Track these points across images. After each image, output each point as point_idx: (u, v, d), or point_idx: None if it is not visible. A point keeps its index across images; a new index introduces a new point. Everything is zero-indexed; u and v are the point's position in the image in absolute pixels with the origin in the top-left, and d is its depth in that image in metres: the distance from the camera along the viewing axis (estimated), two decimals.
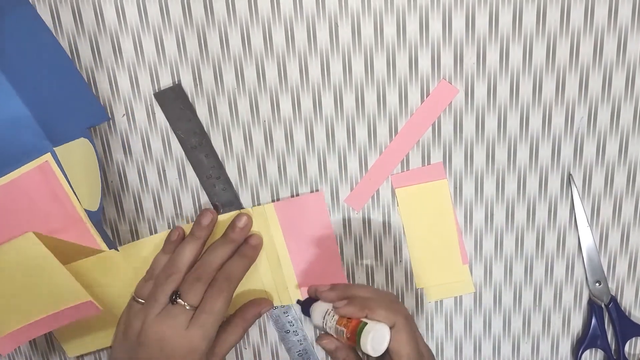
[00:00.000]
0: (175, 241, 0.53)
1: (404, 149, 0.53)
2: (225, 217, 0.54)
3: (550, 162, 0.54)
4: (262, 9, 0.50)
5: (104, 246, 0.49)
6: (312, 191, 0.55)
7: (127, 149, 0.54)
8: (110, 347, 0.53)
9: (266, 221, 0.55)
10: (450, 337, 0.59)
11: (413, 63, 0.51)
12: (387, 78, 0.51)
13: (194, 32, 0.50)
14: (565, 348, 0.59)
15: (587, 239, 0.56)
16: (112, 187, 0.55)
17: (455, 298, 0.58)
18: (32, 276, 0.47)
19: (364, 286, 0.54)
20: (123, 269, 0.54)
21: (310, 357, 0.60)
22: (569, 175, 0.54)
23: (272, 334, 0.59)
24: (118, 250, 0.53)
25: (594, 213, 0.55)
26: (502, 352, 0.59)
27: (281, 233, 0.55)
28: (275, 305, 0.57)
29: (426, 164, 0.54)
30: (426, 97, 0.52)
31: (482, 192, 0.55)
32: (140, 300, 0.50)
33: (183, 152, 0.54)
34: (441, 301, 0.58)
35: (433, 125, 0.53)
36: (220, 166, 0.54)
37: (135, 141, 0.54)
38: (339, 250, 0.56)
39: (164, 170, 0.54)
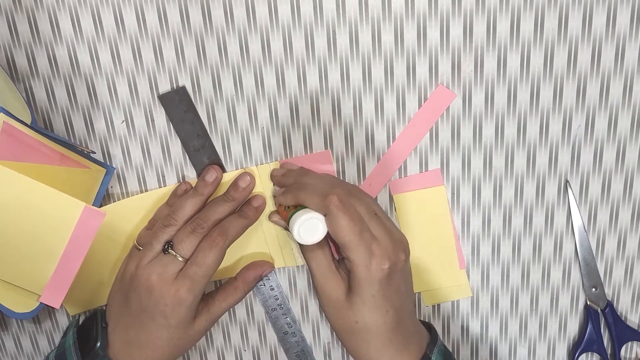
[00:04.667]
0: (180, 195, 0.53)
1: (402, 156, 0.54)
2: (230, 175, 0.54)
3: (547, 169, 0.54)
4: (260, 17, 0.50)
5: (84, 162, 0.51)
6: None
7: (126, 155, 0.54)
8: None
9: (271, 180, 0.54)
10: (447, 341, 0.59)
11: (411, 70, 0.51)
12: (385, 85, 0.51)
13: (193, 39, 0.51)
14: (562, 352, 0.60)
15: (584, 244, 0.56)
16: (112, 193, 0.55)
17: (453, 302, 0.58)
18: (25, 211, 0.47)
19: (321, 176, 0.52)
20: (126, 224, 0.55)
21: (308, 358, 0.60)
22: (566, 181, 0.54)
23: (272, 336, 0.60)
24: (95, 152, 0.54)
25: (591, 219, 0.55)
26: (499, 356, 0.60)
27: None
28: (280, 266, 0.57)
29: (424, 170, 0.54)
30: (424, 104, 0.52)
31: (479, 198, 0.55)
32: (139, 247, 0.51)
33: (183, 158, 0.54)
34: (438, 305, 0.58)
35: (431, 132, 0.53)
36: (222, 169, 0.54)
37: (134, 147, 0.54)
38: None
39: (163, 177, 0.55)
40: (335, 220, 0.46)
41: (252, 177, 0.53)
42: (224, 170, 0.54)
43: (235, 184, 0.53)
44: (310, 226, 0.47)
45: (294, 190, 0.50)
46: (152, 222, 0.53)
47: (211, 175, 0.52)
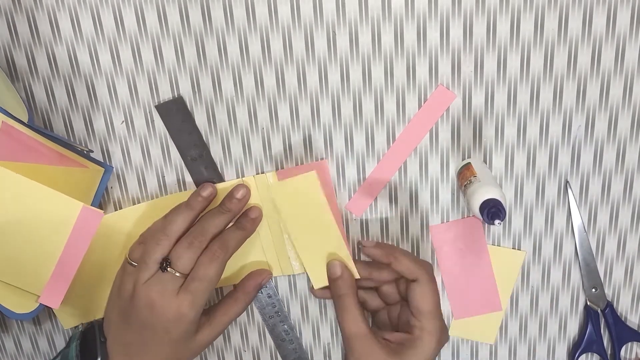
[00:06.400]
0: None
1: (402, 156, 0.54)
2: (225, 185, 0.54)
3: (547, 169, 0.54)
4: (260, 17, 0.50)
5: (83, 161, 0.51)
6: None
7: (126, 156, 0.54)
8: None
9: (268, 190, 0.54)
10: (448, 341, 0.59)
11: (411, 71, 0.51)
12: (385, 86, 0.51)
13: (192, 40, 0.50)
14: (562, 352, 0.60)
15: (584, 244, 0.56)
16: (111, 194, 0.55)
17: None
18: (24, 211, 0.47)
19: (407, 252, 0.53)
20: (121, 236, 0.55)
21: None
22: (566, 181, 0.54)
23: (271, 338, 0.60)
24: (93, 151, 0.54)
25: (591, 219, 0.55)
26: (499, 356, 0.60)
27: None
28: (276, 275, 0.57)
29: (424, 171, 0.54)
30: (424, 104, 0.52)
31: None
32: (132, 262, 0.50)
33: (182, 159, 0.54)
34: None
35: (431, 132, 0.53)
36: (220, 178, 0.54)
37: (134, 148, 0.54)
38: None
39: (163, 177, 0.55)
40: (427, 286, 0.49)
41: (248, 188, 0.53)
42: (221, 179, 0.54)
43: (230, 195, 0.52)
44: None
45: (387, 248, 0.52)
46: (144, 235, 0.52)
47: (206, 191, 0.52)
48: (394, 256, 0.51)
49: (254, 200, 0.54)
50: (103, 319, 0.53)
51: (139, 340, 0.49)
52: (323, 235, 0.52)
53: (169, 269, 0.48)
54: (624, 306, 0.58)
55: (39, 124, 0.53)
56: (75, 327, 0.58)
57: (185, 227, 0.50)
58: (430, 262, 0.56)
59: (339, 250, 0.52)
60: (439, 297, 0.50)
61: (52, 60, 0.51)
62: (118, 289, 0.51)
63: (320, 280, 0.54)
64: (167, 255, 0.49)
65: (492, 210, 0.45)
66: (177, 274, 0.48)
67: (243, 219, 0.53)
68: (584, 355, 0.59)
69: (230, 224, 0.53)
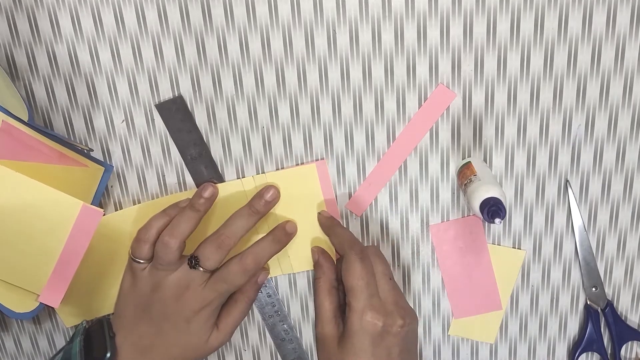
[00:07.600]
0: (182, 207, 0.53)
1: (402, 156, 0.54)
2: (227, 185, 0.54)
3: (547, 169, 0.54)
4: (260, 16, 0.50)
5: (83, 160, 0.51)
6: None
7: (126, 155, 0.54)
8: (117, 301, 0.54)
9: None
10: (448, 342, 0.59)
11: (411, 70, 0.51)
12: (385, 85, 0.51)
13: (193, 38, 0.51)
14: (562, 352, 0.60)
15: (584, 244, 0.56)
16: (112, 193, 0.55)
17: None
18: (24, 210, 0.47)
19: (346, 231, 0.54)
20: (118, 235, 0.55)
21: None
22: (566, 181, 0.54)
23: (271, 337, 0.60)
24: (93, 150, 0.54)
25: (591, 218, 0.55)
26: (499, 355, 0.60)
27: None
28: (276, 274, 0.57)
29: (424, 170, 0.54)
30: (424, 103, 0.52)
31: None
32: (138, 260, 0.51)
33: (182, 158, 0.54)
34: (439, 305, 0.58)
35: (431, 131, 0.53)
36: (219, 178, 0.54)
37: (134, 147, 0.54)
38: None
39: (163, 176, 0.55)
40: (351, 263, 0.49)
41: (277, 189, 0.53)
42: (221, 178, 0.54)
43: (259, 196, 0.53)
44: None
45: (331, 221, 0.54)
46: (145, 232, 0.52)
47: (207, 192, 0.52)
48: (332, 230, 0.53)
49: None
50: (111, 314, 0.53)
51: (156, 332, 0.51)
52: (311, 225, 0.55)
53: (197, 267, 0.50)
54: (624, 305, 0.58)
55: (39, 123, 0.53)
56: (80, 323, 0.58)
57: (191, 228, 0.51)
58: (430, 261, 0.57)
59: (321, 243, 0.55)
60: (360, 277, 0.48)
61: (52, 59, 0.51)
62: (131, 285, 0.52)
63: (299, 265, 0.57)
64: (181, 254, 0.51)
65: (493, 209, 0.45)
66: (204, 271, 0.50)
67: (279, 232, 0.53)
68: (584, 355, 0.59)
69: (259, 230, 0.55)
